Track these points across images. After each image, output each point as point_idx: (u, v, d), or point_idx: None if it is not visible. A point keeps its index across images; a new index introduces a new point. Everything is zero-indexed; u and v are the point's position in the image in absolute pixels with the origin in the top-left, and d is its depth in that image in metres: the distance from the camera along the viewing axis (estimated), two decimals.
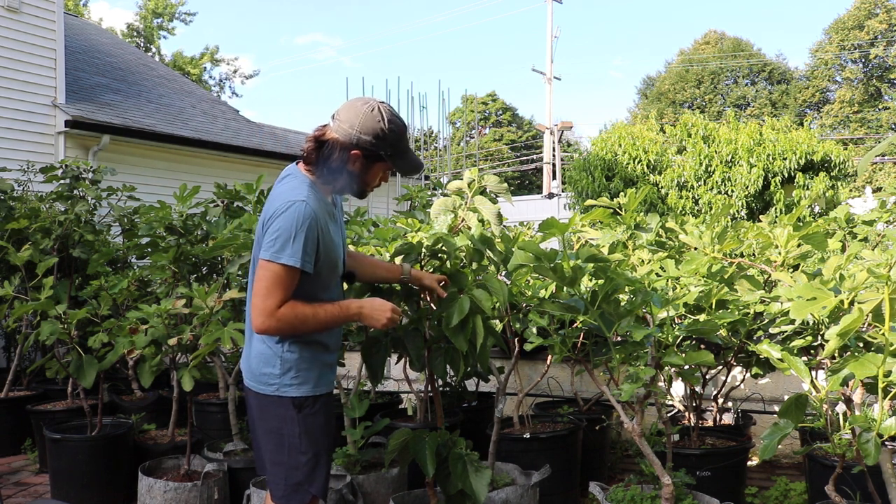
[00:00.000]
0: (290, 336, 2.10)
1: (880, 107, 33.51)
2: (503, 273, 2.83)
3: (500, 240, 2.58)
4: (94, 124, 8.05)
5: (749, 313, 2.81)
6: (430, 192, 4.79)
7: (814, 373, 2.36)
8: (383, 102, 2.15)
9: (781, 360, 2.06)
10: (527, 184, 37.71)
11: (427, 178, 12.35)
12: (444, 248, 2.51)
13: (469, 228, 2.59)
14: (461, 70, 76.43)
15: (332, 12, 76.67)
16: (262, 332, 2.03)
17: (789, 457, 4.36)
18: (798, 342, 2.48)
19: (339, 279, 2.28)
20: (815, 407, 2.07)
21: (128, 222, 4.92)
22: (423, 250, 2.56)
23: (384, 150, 2.10)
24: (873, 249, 3.49)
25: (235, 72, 32.47)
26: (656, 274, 2.87)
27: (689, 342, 2.87)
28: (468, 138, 29.12)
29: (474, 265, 2.59)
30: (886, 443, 2.19)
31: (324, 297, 2.15)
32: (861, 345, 2.27)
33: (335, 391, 4.05)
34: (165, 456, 3.76)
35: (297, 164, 2.19)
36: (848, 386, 2.38)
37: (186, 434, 3.62)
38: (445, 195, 2.66)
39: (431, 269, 2.65)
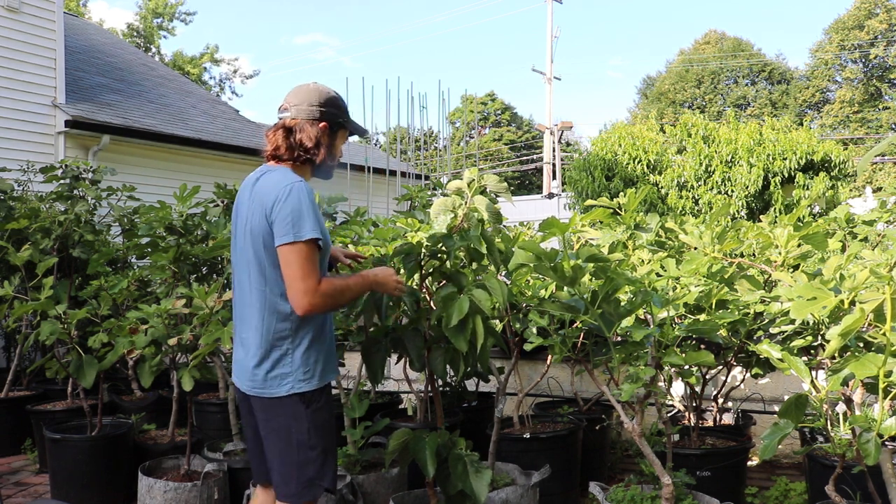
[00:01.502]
0: (302, 331, 2.13)
1: (880, 107, 33.50)
2: (503, 273, 2.83)
3: (499, 239, 2.58)
4: (94, 124, 8.05)
5: (749, 313, 2.81)
6: (430, 192, 4.79)
7: (814, 373, 2.36)
8: (316, 81, 2.29)
9: (781, 360, 2.06)
10: (527, 184, 37.71)
11: (427, 178, 12.35)
12: (443, 247, 2.51)
13: (469, 228, 2.59)
14: (461, 70, 76.47)
15: (332, 12, 76.70)
16: (311, 311, 2.04)
17: (789, 457, 4.36)
18: (798, 342, 2.48)
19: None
20: (815, 407, 2.07)
21: (128, 222, 4.93)
22: (423, 250, 2.56)
23: (342, 117, 2.25)
24: (873, 249, 3.49)
25: (235, 72, 32.48)
26: (656, 274, 2.87)
27: (689, 342, 2.87)
28: (468, 138, 29.13)
29: (474, 265, 2.59)
30: (886, 443, 2.19)
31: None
32: (861, 345, 2.27)
33: (335, 391, 4.06)
34: (165, 456, 3.76)
35: (267, 164, 2.23)
36: (848, 386, 2.38)
37: (186, 434, 3.61)
38: (445, 195, 2.66)
39: (431, 269, 2.65)
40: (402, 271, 2.60)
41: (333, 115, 2.22)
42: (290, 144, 2.17)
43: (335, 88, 2.31)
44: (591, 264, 2.32)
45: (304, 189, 2.07)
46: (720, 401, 3.81)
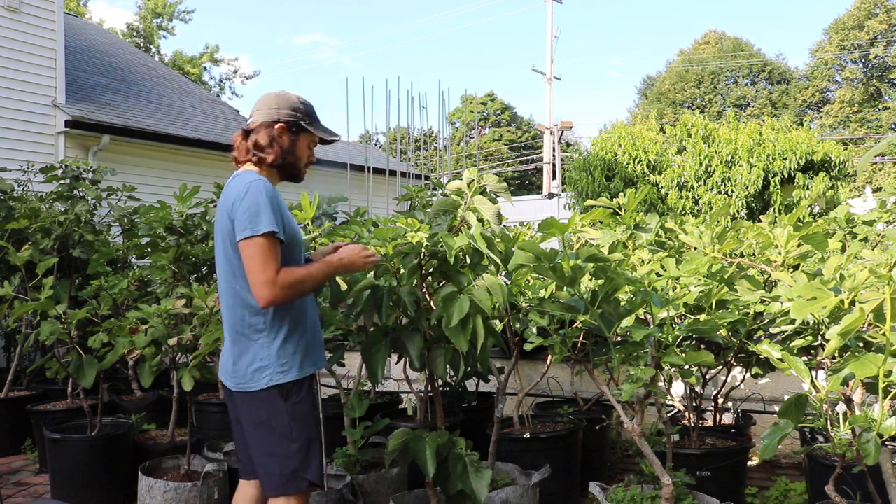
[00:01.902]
0: (277, 323, 2.19)
1: (880, 107, 33.50)
2: (503, 273, 2.83)
3: (499, 239, 2.58)
4: (94, 124, 8.05)
5: (749, 313, 2.81)
6: (430, 192, 4.79)
7: (814, 373, 2.36)
8: (285, 90, 2.40)
9: (781, 360, 2.06)
10: (527, 184, 37.71)
11: (427, 178, 12.35)
12: (443, 247, 2.51)
13: (469, 228, 2.59)
14: (461, 70, 76.46)
15: (332, 12, 76.69)
16: (271, 302, 2.11)
17: (789, 457, 4.36)
18: (798, 342, 2.48)
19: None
20: (815, 407, 2.07)
21: (128, 222, 4.92)
22: (423, 250, 2.56)
23: (303, 120, 2.32)
24: (873, 249, 3.49)
25: (236, 72, 32.47)
26: (656, 274, 2.86)
27: (689, 342, 2.87)
28: (468, 138, 29.14)
29: (474, 265, 2.59)
30: (886, 443, 2.19)
31: None
32: (861, 345, 2.27)
33: (335, 391, 4.06)
34: (165, 456, 3.76)
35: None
36: (848, 386, 2.38)
37: (186, 434, 3.61)
38: (445, 195, 2.66)
39: (431, 269, 2.65)
40: (402, 271, 2.61)
41: (292, 117, 2.30)
42: (246, 147, 2.29)
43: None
44: (591, 264, 2.32)
45: (261, 187, 2.16)
46: (720, 401, 3.82)
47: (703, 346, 3.24)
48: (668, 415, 3.57)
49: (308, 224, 3.24)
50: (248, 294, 2.16)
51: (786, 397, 2.12)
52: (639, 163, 10.89)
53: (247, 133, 2.30)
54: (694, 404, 3.48)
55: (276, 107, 2.29)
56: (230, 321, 2.24)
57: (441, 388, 4.02)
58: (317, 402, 2.29)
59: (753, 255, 3.07)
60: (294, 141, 2.32)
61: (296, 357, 2.21)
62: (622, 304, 2.37)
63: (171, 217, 3.75)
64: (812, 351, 2.72)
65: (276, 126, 2.28)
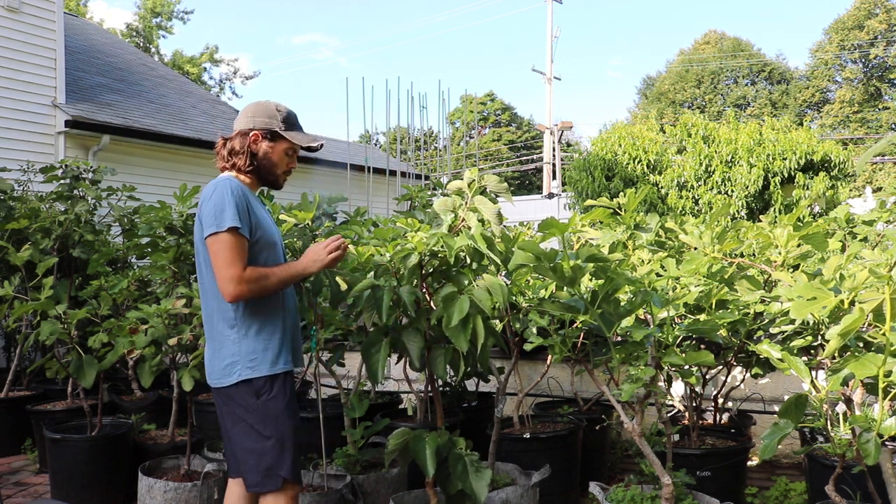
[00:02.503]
0: (248, 319, 2.24)
1: (880, 107, 33.50)
2: (503, 273, 2.83)
3: (499, 239, 2.58)
4: (94, 124, 8.05)
5: (749, 313, 2.81)
6: (430, 192, 4.79)
7: (814, 373, 2.36)
8: (270, 100, 2.46)
9: (781, 360, 2.06)
10: (527, 184, 37.71)
11: (427, 178, 12.34)
12: (443, 247, 2.51)
13: (469, 228, 2.59)
14: (461, 70, 76.43)
15: (331, 12, 76.67)
16: (236, 298, 2.18)
17: (789, 457, 4.36)
18: (798, 342, 2.48)
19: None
20: (815, 407, 2.07)
21: (128, 222, 4.92)
22: (423, 250, 2.56)
23: (279, 126, 2.37)
24: (873, 249, 3.48)
25: (236, 72, 32.46)
26: (656, 274, 2.86)
27: (689, 342, 2.87)
28: (468, 138, 29.13)
29: (474, 265, 2.59)
30: (886, 443, 2.19)
31: None
32: (861, 345, 2.27)
33: (335, 391, 4.06)
34: (165, 456, 3.76)
35: None
36: (848, 386, 2.38)
37: (186, 434, 3.62)
38: (445, 195, 2.66)
39: (431, 269, 2.65)
40: (402, 271, 2.60)
41: (266, 125, 2.36)
42: (223, 153, 2.39)
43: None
44: (591, 264, 2.32)
45: (227, 185, 2.23)
46: (720, 401, 3.81)
47: (703, 346, 3.24)
48: (668, 415, 3.57)
49: (309, 223, 3.24)
50: (218, 294, 2.23)
51: (786, 397, 2.13)
52: (639, 163, 10.89)
53: (226, 141, 2.39)
54: (694, 404, 3.48)
55: (252, 115, 2.37)
56: (207, 318, 2.32)
57: (441, 388, 4.02)
58: (292, 399, 2.33)
59: (753, 255, 3.07)
60: (270, 148, 2.38)
61: (266, 354, 2.26)
62: (622, 304, 2.37)
63: (171, 217, 3.75)
64: (812, 351, 2.72)
65: (251, 134, 2.35)
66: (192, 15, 31.56)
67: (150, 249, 3.81)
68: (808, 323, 2.59)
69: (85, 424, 3.94)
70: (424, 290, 2.69)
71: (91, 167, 5.03)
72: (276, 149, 2.39)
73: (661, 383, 3.59)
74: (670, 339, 2.41)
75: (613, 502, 2.68)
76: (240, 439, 2.26)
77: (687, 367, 2.40)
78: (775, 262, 2.90)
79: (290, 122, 2.42)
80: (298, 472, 2.32)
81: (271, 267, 2.27)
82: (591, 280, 2.63)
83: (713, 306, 2.80)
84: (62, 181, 4.86)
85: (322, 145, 2.42)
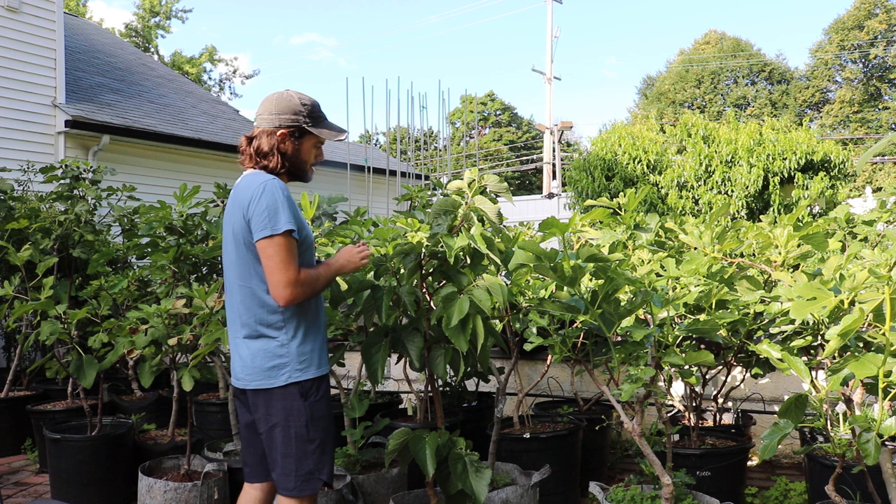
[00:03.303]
0: (295, 321, 2.20)
1: (880, 107, 33.50)
2: (503, 273, 2.83)
3: (499, 239, 2.58)
4: (94, 124, 8.05)
5: (749, 313, 2.81)
6: (430, 192, 4.78)
7: (814, 373, 2.36)
8: (290, 89, 2.35)
9: (781, 360, 2.06)
10: (527, 184, 37.71)
11: (427, 178, 12.34)
12: (443, 247, 2.51)
13: (469, 228, 2.59)
14: (461, 71, 76.45)
15: (329, 13, 76.66)
16: (292, 301, 2.13)
17: (789, 457, 4.36)
18: (798, 342, 2.48)
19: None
20: (815, 407, 2.07)
21: (128, 222, 4.92)
22: (423, 250, 2.56)
23: (306, 122, 2.28)
24: (873, 249, 3.49)
25: (235, 72, 32.46)
26: (656, 274, 2.86)
27: (689, 342, 2.87)
28: (468, 138, 29.12)
29: (474, 265, 2.59)
30: (886, 443, 2.19)
31: None
32: (861, 345, 2.27)
33: (335, 391, 4.06)
34: (165, 456, 3.76)
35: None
36: (848, 386, 2.38)
37: (186, 434, 3.61)
38: (445, 195, 2.66)
39: (431, 269, 2.65)
40: (402, 271, 2.61)
41: (293, 121, 2.27)
42: (249, 153, 2.28)
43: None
44: (591, 264, 2.32)
45: (276, 186, 2.16)
46: (720, 401, 3.81)
47: (703, 346, 3.24)
48: (668, 415, 3.57)
49: (308, 224, 3.24)
50: (266, 293, 2.16)
51: (786, 397, 2.13)
52: (639, 163, 10.89)
53: (249, 139, 2.29)
54: (694, 404, 3.48)
55: (277, 112, 2.26)
56: (244, 320, 2.22)
57: (441, 388, 4.02)
58: (330, 404, 2.31)
59: (753, 255, 3.07)
60: (298, 145, 2.29)
61: (313, 355, 2.23)
62: (622, 304, 2.37)
63: (171, 217, 3.75)
64: (812, 351, 2.72)
65: (278, 133, 2.25)
66: (191, 14, 31.59)
67: (150, 249, 3.81)
68: (808, 323, 2.59)
69: (85, 424, 3.94)
70: (424, 290, 2.69)
71: (91, 167, 5.03)
72: (303, 144, 2.31)
73: (661, 383, 3.60)
74: (670, 339, 2.41)
75: (613, 502, 2.68)
76: (280, 443, 2.19)
77: (687, 367, 2.40)
78: (775, 262, 2.90)
79: (316, 115, 2.32)
80: (333, 474, 2.30)
81: (315, 268, 2.24)
82: (591, 280, 2.63)
83: (713, 306, 2.80)
84: (62, 181, 4.87)
85: (347, 134, 2.39)
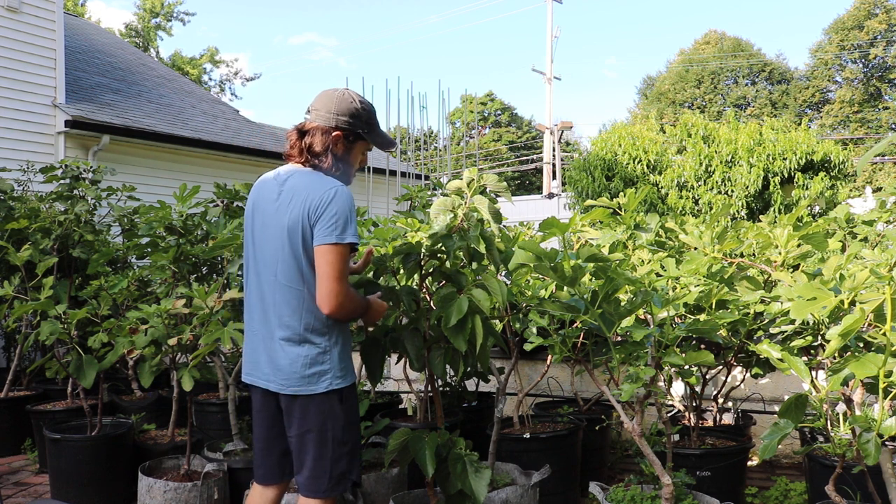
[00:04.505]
0: (336, 328, 2.20)
1: (880, 107, 33.51)
2: (503, 273, 2.83)
3: (499, 239, 2.58)
4: (94, 124, 8.06)
5: (749, 313, 2.80)
6: (430, 192, 4.78)
7: (814, 373, 2.36)
8: (349, 89, 2.30)
9: (781, 360, 2.06)
10: (527, 184, 37.72)
11: (427, 178, 12.34)
12: (443, 247, 2.51)
13: (469, 228, 2.59)
14: (460, 71, 76.47)
15: (329, 12, 76.66)
16: (336, 313, 2.11)
17: (789, 457, 4.36)
18: (798, 342, 2.48)
19: None
20: (815, 407, 2.07)
21: (128, 222, 4.92)
22: (423, 250, 2.56)
23: (361, 128, 2.25)
24: (873, 249, 3.48)
25: (236, 73, 32.44)
26: (656, 274, 2.86)
27: (689, 342, 2.87)
28: (468, 138, 29.12)
29: (474, 265, 2.59)
30: (887, 443, 2.18)
31: None
32: (861, 345, 2.27)
33: None
34: (165, 456, 3.76)
35: (289, 163, 2.27)
36: (848, 386, 2.38)
37: (186, 434, 3.61)
38: (445, 195, 2.66)
39: (431, 269, 2.64)
40: (402, 271, 2.61)
41: (350, 125, 2.22)
42: (300, 147, 2.21)
43: (335, 89, 2.29)
44: (591, 264, 2.32)
45: (347, 194, 2.13)
46: (720, 401, 3.81)
47: (703, 346, 3.24)
48: (668, 415, 3.57)
49: None
50: (313, 299, 2.13)
51: (786, 397, 2.12)
52: (639, 163, 10.89)
53: (302, 133, 2.22)
54: (694, 404, 3.48)
55: (335, 111, 2.20)
56: (287, 322, 2.16)
57: (441, 388, 4.02)
58: (358, 407, 2.35)
59: (753, 255, 3.07)
60: (349, 149, 2.26)
61: (350, 363, 2.25)
62: (622, 304, 2.37)
63: (171, 217, 3.74)
64: (812, 351, 2.71)
65: (334, 134, 2.20)
66: (193, 17, 31.60)
67: (150, 249, 3.81)
68: (808, 323, 2.59)
69: (85, 424, 3.94)
70: (424, 290, 2.69)
71: (91, 167, 5.02)
72: (354, 149, 2.27)
73: (661, 383, 3.60)
74: (670, 339, 2.41)
75: (613, 502, 2.68)
76: (314, 446, 2.18)
77: (687, 367, 2.40)
78: (775, 262, 2.90)
79: (371, 120, 2.28)
80: (361, 474, 2.32)
81: (358, 293, 2.26)
82: (591, 280, 2.63)
83: (713, 306, 2.80)
84: (62, 181, 4.86)
85: (397, 147, 2.40)
